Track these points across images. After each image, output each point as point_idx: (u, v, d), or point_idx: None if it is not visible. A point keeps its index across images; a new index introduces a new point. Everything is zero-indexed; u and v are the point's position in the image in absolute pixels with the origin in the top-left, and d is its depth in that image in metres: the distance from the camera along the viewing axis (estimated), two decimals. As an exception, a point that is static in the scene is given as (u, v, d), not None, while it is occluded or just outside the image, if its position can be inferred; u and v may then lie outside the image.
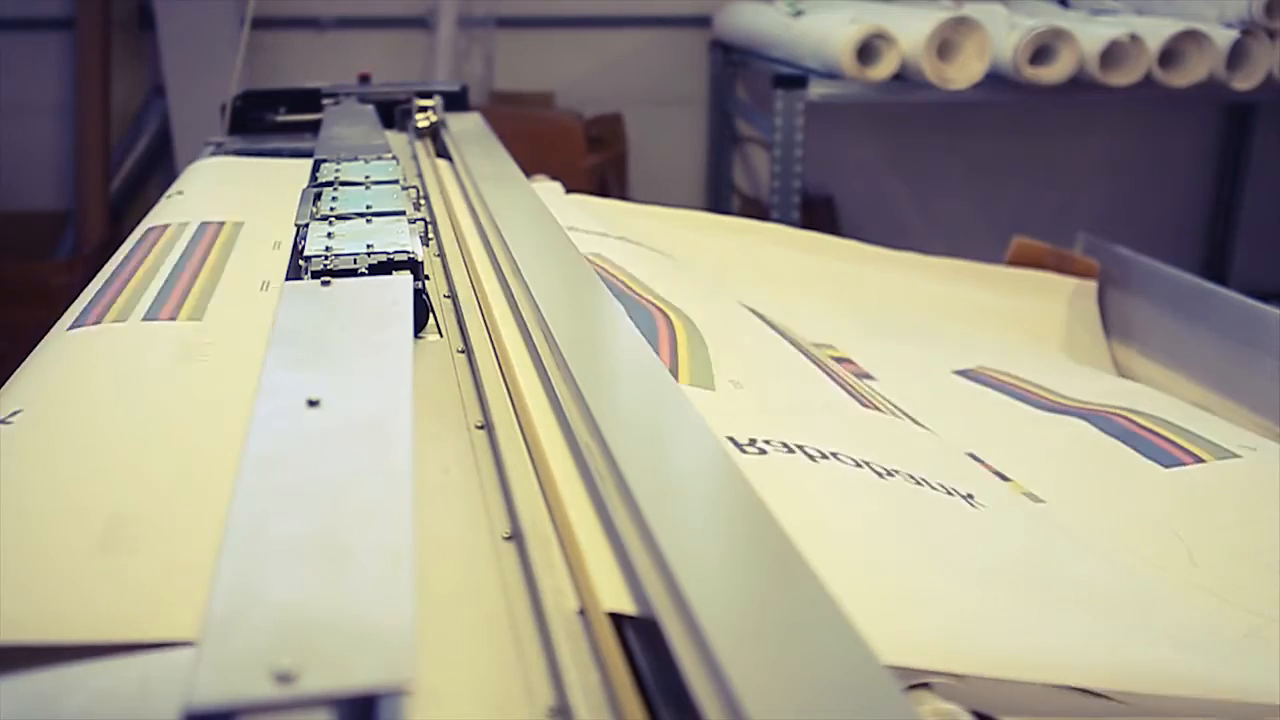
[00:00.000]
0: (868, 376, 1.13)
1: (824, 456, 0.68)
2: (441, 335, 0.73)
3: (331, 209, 0.85)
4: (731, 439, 0.67)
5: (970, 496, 0.72)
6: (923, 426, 0.90)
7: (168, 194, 1.19)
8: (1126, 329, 1.53)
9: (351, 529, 0.37)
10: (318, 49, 2.94)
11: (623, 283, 1.01)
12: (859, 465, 0.69)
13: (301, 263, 0.73)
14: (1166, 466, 0.92)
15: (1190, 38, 2.13)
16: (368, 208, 0.85)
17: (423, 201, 0.98)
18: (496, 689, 0.37)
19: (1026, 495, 0.89)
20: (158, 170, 2.98)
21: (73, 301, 0.82)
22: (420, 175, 1.26)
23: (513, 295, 0.79)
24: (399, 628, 0.31)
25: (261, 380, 0.51)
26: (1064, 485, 0.91)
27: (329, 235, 0.78)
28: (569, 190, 1.50)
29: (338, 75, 1.89)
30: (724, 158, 3.09)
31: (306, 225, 0.81)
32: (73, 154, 2.89)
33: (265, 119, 1.64)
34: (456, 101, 1.66)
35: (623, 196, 2.79)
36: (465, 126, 1.53)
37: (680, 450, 0.50)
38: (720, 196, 3.10)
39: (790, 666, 0.34)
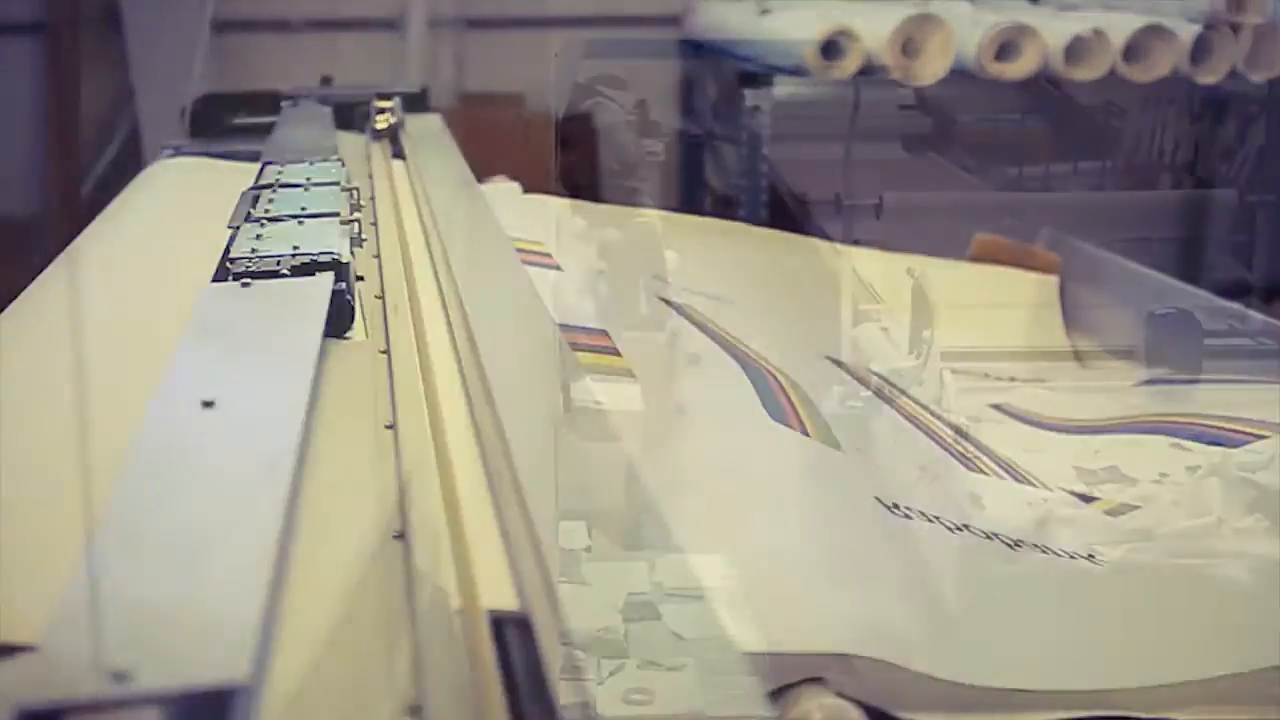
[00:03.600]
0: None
1: (958, 529, 0.74)
2: (367, 336, 0.73)
3: (266, 211, 0.85)
4: (879, 500, 0.73)
5: (1092, 556, 0.75)
6: (1027, 483, 0.92)
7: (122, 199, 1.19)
8: (1086, 323, 1.55)
9: (218, 529, 0.37)
10: (289, 51, 2.92)
11: (721, 332, 1.03)
12: (989, 538, 0.74)
13: (228, 265, 0.73)
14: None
15: (1154, 32, 2.14)
16: (302, 209, 0.85)
17: (365, 203, 0.98)
18: (356, 687, 0.37)
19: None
20: (128, 173, 2.96)
21: None
22: (371, 177, 1.26)
23: (444, 297, 0.79)
24: (243, 625, 0.31)
25: (162, 381, 0.51)
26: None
27: (257, 238, 0.78)
28: (530, 190, 1.50)
29: (309, 77, 1.88)
30: (696, 156, 3.08)
31: (238, 228, 0.81)
32: (43, 158, 2.88)
33: (226, 122, 1.64)
34: (417, 103, 1.67)
35: (595, 196, 2.79)
36: (423, 128, 1.53)
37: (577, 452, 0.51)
38: (693, 195, 3.10)
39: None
